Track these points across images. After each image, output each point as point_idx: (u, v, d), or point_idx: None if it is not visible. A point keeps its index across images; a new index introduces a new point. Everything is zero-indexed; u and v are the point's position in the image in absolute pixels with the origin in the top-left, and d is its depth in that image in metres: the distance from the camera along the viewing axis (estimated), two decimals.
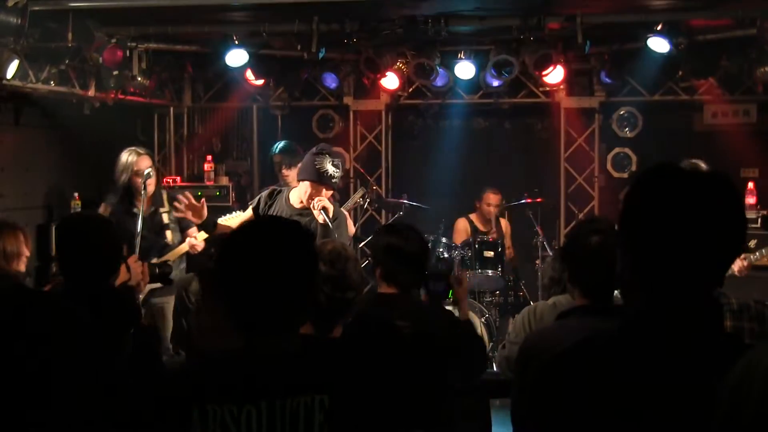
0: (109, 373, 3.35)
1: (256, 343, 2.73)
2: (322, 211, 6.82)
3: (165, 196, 8.80)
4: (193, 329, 7.69)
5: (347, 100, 12.36)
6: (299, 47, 10.07)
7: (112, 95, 10.33)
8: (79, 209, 10.45)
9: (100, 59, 9.35)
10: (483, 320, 9.21)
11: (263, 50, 10.72)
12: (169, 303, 8.61)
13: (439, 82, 11.18)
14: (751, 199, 10.19)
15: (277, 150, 9.54)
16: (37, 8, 8.24)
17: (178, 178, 12.11)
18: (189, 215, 7.50)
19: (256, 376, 2.68)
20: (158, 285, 7.62)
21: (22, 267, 6.22)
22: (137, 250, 8.05)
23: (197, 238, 8.36)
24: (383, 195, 12.24)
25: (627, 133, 11.66)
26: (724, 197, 2.16)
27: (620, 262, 2.27)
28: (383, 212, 12.19)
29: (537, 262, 10.54)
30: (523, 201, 10.89)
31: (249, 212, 7.62)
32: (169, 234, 8.77)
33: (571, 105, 11.91)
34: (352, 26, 9.67)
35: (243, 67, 10.72)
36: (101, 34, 9.30)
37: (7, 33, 8.17)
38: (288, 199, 7.25)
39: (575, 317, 3.98)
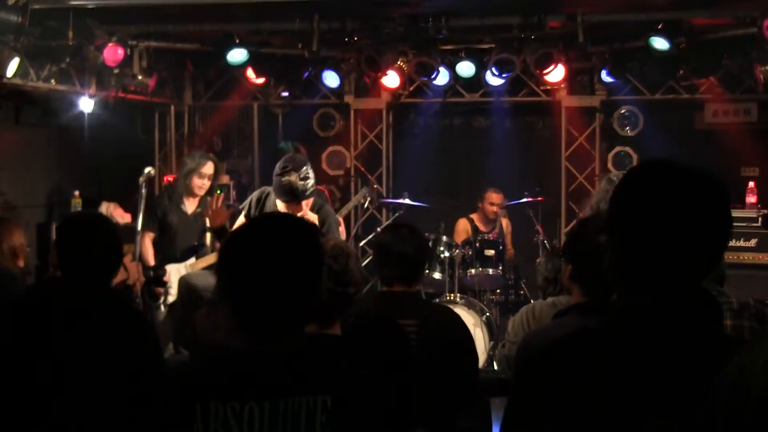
0: (120, 367, 3.36)
1: (260, 342, 2.72)
2: None
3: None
4: (199, 327, 7.72)
5: (348, 98, 12.36)
6: (300, 45, 10.07)
7: (113, 94, 10.33)
8: (80, 208, 10.46)
9: (101, 57, 9.34)
10: (483, 319, 9.20)
11: (264, 48, 10.73)
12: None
13: (440, 80, 11.18)
14: (751, 198, 10.20)
15: (292, 150, 9.54)
16: (37, 6, 8.23)
17: None
18: (209, 217, 7.64)
19: (259, 374, 2.67)
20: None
21: (22, 263, 6.23)
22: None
23: None
24: (384, 194, 12.24)
25: (628, 131, 11.65)
26: (710, 194, 2.17)
27: (609, 257, 2.28)
28: (384, 211, 12.19)
29: (538, 260, 10.52)
30: (523, 200, 10.88)
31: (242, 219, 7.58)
32: (208, 237, 9.04)
33: (572, 104, 11.91)
34: (353, 25, 9.68)
35: (244, 66, 10.72)
36: (102, 33, 9.30)
37: (7, 31, 8.16)
38: (275, 203, 7.24)
39: (573, 315, 3.97)
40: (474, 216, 11.24)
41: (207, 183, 9.13)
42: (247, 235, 2.86)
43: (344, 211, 9.40)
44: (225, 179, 12.24)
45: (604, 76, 11.25)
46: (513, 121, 13.13)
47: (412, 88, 12.20)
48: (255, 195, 7.59)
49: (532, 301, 5.94)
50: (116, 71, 9.86)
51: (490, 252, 10.04)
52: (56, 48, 9.16)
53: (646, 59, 10.42)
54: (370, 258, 11.23)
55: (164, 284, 8.73)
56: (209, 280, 8.02)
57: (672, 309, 2.14)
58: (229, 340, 3.08)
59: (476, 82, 11.43)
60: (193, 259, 8.96)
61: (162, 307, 8.91)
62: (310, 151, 11.16)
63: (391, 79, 11.24)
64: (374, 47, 10.55)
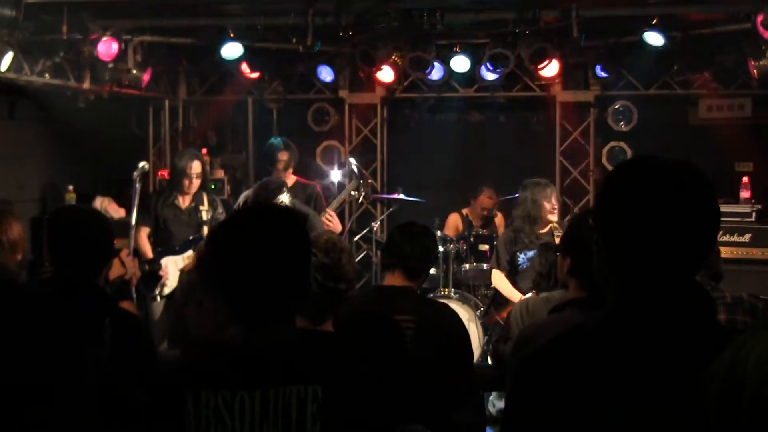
0: (96, 364, 3.35)
1: (251, 332, 2.73)
2: None
3: (206, 197, 9.32)
4: (190, 322, 7.74)
5: (343, 93, 12.37)
6: (294, 40, 10.05)
7: (107, 88, 10.32)
8: (74, 202, 10.45)
9: (95, 52, 9.33)
10: (477, 314, 9.22)
11: (258, 43, 10.71)
12: None
13: (435, 75, 11.17)
14: (745, 193, 10.21)
15: (282, 146, 9.53)
16: (31, 1, 8.22)
17: None
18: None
19: (250, 364, 2.68)
20: None
21: (20, 256, 6.21)
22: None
23: None
24: (378, 188, 12.24)
25: (622, 127, 11.65)
26: (696, 188, 2.17)
27: (597, 254, 2.28)
28: (378, 206, 12.19)
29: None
30: (517, 195, 10.87)
31: None
32: (205, 230, 9.04)
33: (566, 99, 11.92)
34: (348, 19, 9.66)
35: (238, 60, 10.71)
36: (96, 27, 9.29)
37: (1, 25, 8.15)
38: None
39: (570, 311, 3.97)
40: (466, 210, 11.23)
41: (196, 181, 9.18)
42: (234, 225, 2.87)
43: (335, 204, 9.37)
44: (219, 174, 12.25)
45: (599, 71, 11.26)
46: (507, 116, 13.12)
47: (406, 83, 12.19)
48: (250, 191, 7.62)
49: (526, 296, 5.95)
50: (110, 66, 9.84)
51: (485, 247, 10.05)
52: (50, 42, 9.15)
53: (640, 54, 10.43)
54: (365, 253, 11.26)
55: (160, 278, 8.80)
56: None
57: (667, 305, 2.15)
58: (219, 334, 3.09)
59: (471, 77, 11.41)
60: (190, 252, 9.00)
61: (158, 298, 8.94)
62: (304, 145, 11.16)
63: (386, 74, 11.23)
64: (369, 42, 10.54)
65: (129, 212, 8.71)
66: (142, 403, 3.23)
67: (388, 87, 12.05)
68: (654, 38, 9.70)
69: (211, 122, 13.05)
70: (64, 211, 5.44)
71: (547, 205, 8.62)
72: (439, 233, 10.05)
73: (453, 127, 12.98)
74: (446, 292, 9.47)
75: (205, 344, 3.20)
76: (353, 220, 11.56)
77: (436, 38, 10.59)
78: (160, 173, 11.82)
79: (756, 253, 9.70)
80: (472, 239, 10.07)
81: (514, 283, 8.64)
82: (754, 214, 9.94)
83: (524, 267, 8.57)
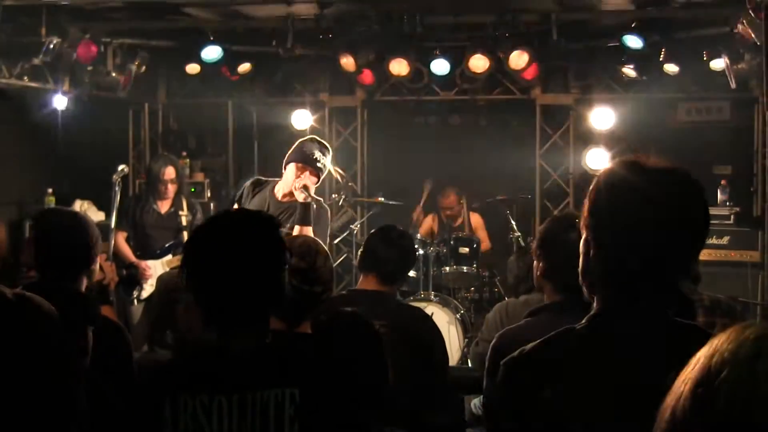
0: (77, 369, 3.34)
1: (227, 336, 2.74)
2: (303, 189, 6.70)
3: (185, 202, 9.38)
4: (180, 322, 7.75)
5: (323, 96, 12.35)
6: (274, 43, 10.05)
7: (87, 91, 10.29)
8: (53, 205, 10.41)
9: (74, 55, 9.30)
10: (458, 316, 9.22)
11: (238, 46, 10.70)
12: None
13: (415, 78, 11.19)
14: (723, 196, 10.26)
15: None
16: (10, 3, 8.20)
17: None
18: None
19: (227, 368, 2.69)
20: None
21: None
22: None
23: None
24: (359, 191, 12.24)
25: (602, 130, 11.67)
26: (687, 192, 2.17)
27: (583, 258, 2.28)
28: (359, 209, 12.19)
29: (509, 258, 10.55)
30: (498, 197, 10.92)
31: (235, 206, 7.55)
32: (185, 235, 9.07)
33: (546, 101, 11.94)
34: (328, 22, 9.66)
35: (218, 63, 10.70)
36: (75, 30, 9.26)
37: None
38: (273, 191, 7.19)
39: (546, 315, 3.97)
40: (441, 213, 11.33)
41: (171, 186, 9.23)
42: (208, 230, 2.89)
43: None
44: (200, 177, 12.22)
45: (579, 75, 11.29)
46: (488, 118, 13.14)
47: (387, 86, 12.19)
48: (248, 183, 7.44)
49: (506, 299, 5.96)
50: (90, 68, 9.82)
51: (465, 249, 10.06)
52: (29, 45, 9.12)
53: (619, 58, 10.47)
54: (345, 256, 11.25)
55: (138, 282, 8.81)
56: None
57: (649, 309, 2.15)
58: (203, 336, 3.10)
59: (451, 80, 11.44)
60: (170, 256, 9.00)
61: (136, 302, 8.93)
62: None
63: (366, 77, 11.24)
64: (349, 45, 10.54)
65: (108, 216, 8.68)
66: (122, 409, 3.24)
67: (368, 90, 12.05)
68: (633, 41, 9.74)
69: (191, 125, 13.03)
70: (49, 213, 5.41)
71: None
72: (419, 236, 10.06)
73: (433, 130, 12.99)
74: (426, 295, 9.47)
75: (183, 347, 3.20)
76: (334, 222, 11.55)
77: (416, 41, 10.60)
78: (140, 177, 11.79)
79: (734, 255, 9.75)
80: (452, 242, 10.08)
81: None
82: (732, 217, 10.00)
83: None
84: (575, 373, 2.12)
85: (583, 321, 2.24)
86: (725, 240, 9.78)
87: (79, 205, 10.88)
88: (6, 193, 10.80)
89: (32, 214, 6.68)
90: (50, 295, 4.08)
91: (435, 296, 9.46)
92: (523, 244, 10.32)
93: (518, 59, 10.28)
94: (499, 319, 5.04)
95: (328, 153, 7.11)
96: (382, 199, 10.71)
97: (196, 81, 12.26)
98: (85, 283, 4.41)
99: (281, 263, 2.85)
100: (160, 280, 8.76)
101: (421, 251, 9.61)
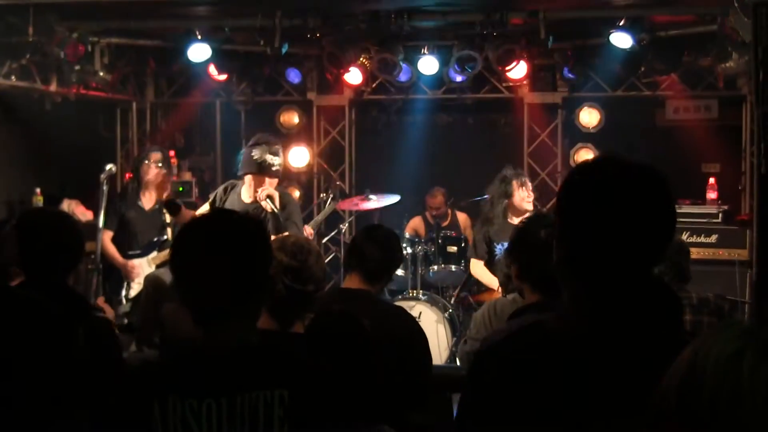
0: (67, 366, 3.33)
1: (214, 336, 2.73)
2: (267, 200, 6.90)
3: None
4: (167, 321, 7.75)
5: (310, 95, 12.34)
6: (262, 42, 10.04)
7: (74, 90, 10.26)
8: (41, 205, 10.38)
9: (62, 54, 9.28)
10: (446, 315, 9.22)
11: (226, 45, 10.69)
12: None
13: (403, 77, 11.20)
14: (712, 195, 10.28)
15: None
16: None
17: None
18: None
19: (216, 370, 2.68)
20: None
21: None
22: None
23: None
24: (347, 191, 12.23)
25: (590, 128, 11.68)
26: (653, 188, 2.19)
27: (556, 252, 2.29)
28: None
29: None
30: (486, 196, 10.90)
31: (207, 207, 7.70)
32: (169, 232, 9.10)
33: (534, 100, 11.95)
34: (315, 21, 9.65)
35: (206, 62, 10.69)
36: (62, 29, 9.23)
37: None
38: (240, 194, 7.37)
39: (530, 315, 3.97)
40: (428, 213, 11.31)
41: (158, 170, 9.28)
42: (193, 230, 2.88)
43: (314, 225, 9.44)
44: (187, 176, 12.20)
45: (566, 73, 11.31)
46: (475, 117, 13.16)
47: (374, 85, 12.19)
48: (221, 188, 7.71)
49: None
50: (77, 68, 9.79)
51: (453, 249, 10.06)
52: (16, 44, 9.09)
53: (607, 56, 10.48)
54: (333, 255, 11.24)
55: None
56: None
57: (624, 303, 2.16)
58: (192, 335, 3.09)
59: (439, 78, 11.45)
60: (155, 253, 9.00)
61: (124, 301, 8.92)
62: None
63: (354, 76, 11.24)
64: (336, 44, 10.53)
65: (96, 215, 8.68)
66: (112, 406, 3.22)
67: (356, 89, 12.05)
68: (621, 40, 9.75)
69: (179, 124, 13.01)
70: (34, 213, 5.40)
71: (521, 191, 8.62)
72: (407, 235, 10.06)
73: (421, 129, 12.99)
74: (415, 294, 9.46)
75: (171, 349, 3.19)
76: (321, 222, 11.53)
77: (403, 40, 10.60)
78: (127, 176, 11.76)
79: (722, 253, 9.76)
80: (440, 241, 10.07)
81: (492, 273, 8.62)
82: (720, 215, 10.00)
83: (501, 257, 8.58)
84: (544, 367, 2.13)
85: (551, 315, 2.25)
86: (713, 238, 9.80)
87: (66, 205, 10.84)
88: None
89: (18, 214, 6.70)
90: (40, 293, 4.08)
91: (423, 295, 9.45)
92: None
93: (512, 67, 10.34)
94: (488, 318, 5.04)
95: (278, 147, 7.22)
96: (373, 197, 10.69)
97: (184, 80, 12.27)
98: (71, 281, 4.40)
99: (267, 262, 2.85)
100: (147, 279, 8.74)
101: (409, 250, 9.60)
